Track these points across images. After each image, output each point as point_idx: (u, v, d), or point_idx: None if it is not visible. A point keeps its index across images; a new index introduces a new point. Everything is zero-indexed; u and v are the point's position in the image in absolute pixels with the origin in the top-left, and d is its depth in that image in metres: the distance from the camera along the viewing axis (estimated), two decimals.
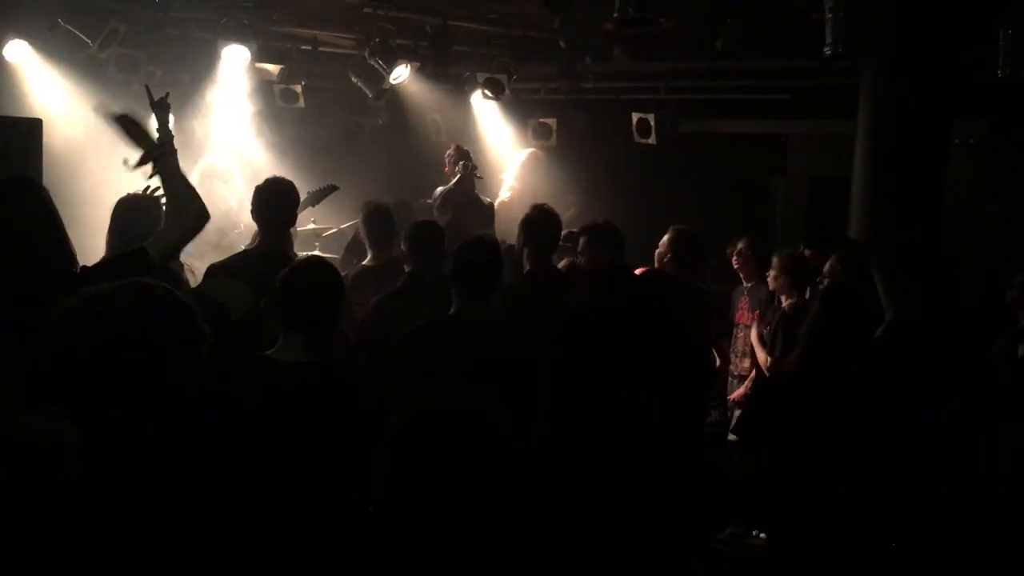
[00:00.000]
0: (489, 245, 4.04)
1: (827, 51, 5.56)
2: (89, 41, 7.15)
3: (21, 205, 3.02)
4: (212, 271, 4.33)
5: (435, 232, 4.94)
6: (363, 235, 5.49)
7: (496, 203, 7.80)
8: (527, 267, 5.03)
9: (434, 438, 1.91)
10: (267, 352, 3.08)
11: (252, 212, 4.56)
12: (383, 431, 1.95)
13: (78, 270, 3.03)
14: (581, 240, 5.41)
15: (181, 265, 4.57)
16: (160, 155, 3.33)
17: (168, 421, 1.82)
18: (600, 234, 5.36)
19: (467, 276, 3.84)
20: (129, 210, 4.30)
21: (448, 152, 7.72)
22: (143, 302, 1.83)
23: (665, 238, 5.62)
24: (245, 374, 2.93)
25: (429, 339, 3.75)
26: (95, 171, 6.66)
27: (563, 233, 5.35)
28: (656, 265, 5.54)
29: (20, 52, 7.33)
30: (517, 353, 3.74)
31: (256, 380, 2.94)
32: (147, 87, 3.62)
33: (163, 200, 4.34)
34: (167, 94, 3.53)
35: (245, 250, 4.96)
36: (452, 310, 3.85)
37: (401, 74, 8.24)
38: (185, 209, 3.28)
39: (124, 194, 4.36)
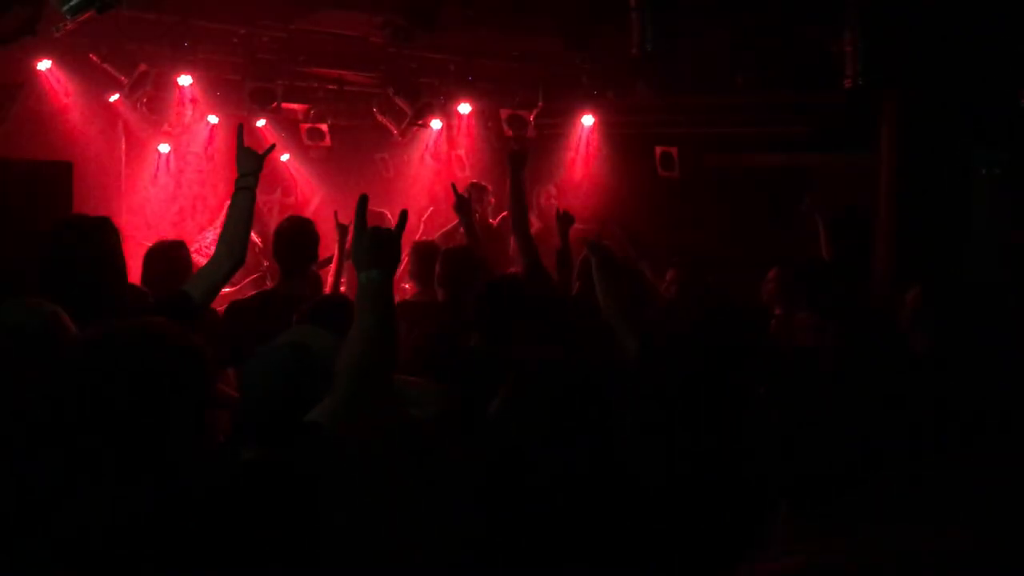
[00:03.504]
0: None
1: (847, 83, 5.57)
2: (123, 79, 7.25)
3: (75, 245, 3.08)
4: (233, 309, 4.31)
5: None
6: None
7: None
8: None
9: None
10: None
11: (273, 254, 4.55)
12: None
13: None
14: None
15: None
16: (243, 186, 3.23)
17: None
18: None
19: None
20: (160, 257, 4.38)
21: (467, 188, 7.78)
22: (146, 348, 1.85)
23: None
24: None
25: None
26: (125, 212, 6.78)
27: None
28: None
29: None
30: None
31: None
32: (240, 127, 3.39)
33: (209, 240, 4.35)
34: (241, 126, 3.34)
35: (267, 290, 4.98)
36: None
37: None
38: (241, 246, 3.18)
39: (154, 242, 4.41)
